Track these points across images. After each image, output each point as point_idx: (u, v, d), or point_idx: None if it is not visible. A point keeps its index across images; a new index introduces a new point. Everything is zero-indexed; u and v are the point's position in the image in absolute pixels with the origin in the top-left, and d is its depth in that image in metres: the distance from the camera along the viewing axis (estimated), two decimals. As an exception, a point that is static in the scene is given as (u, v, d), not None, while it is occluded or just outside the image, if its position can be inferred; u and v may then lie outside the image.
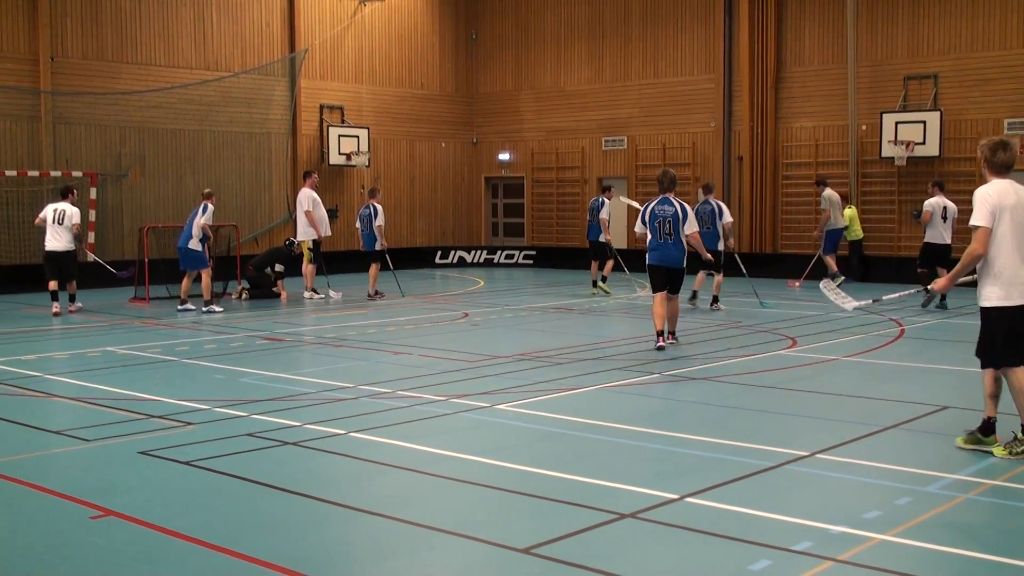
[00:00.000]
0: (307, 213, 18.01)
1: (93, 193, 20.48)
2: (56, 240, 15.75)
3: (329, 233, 18.81)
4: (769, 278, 21.33)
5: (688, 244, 12.03)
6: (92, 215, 20.42)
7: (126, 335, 13.61)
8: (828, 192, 19.86)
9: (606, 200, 18.47)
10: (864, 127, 21.71)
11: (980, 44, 20.53)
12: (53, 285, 15.69)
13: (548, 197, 26.89)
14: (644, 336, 12.98)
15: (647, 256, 12.06)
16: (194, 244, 16.20)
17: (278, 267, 18.50)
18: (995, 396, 7.02)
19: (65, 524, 5.63)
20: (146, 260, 17.75)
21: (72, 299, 16.09)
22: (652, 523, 5.55)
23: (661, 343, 11.82)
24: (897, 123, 20.78)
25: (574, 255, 25.03)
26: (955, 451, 7.09)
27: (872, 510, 5.74)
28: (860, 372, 10.53)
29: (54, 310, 15.53)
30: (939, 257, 16.21)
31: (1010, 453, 6.84)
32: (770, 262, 22.54)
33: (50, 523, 5.64)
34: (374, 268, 18.29)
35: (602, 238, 18.36)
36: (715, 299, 15.99)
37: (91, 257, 18.39)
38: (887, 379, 10.16)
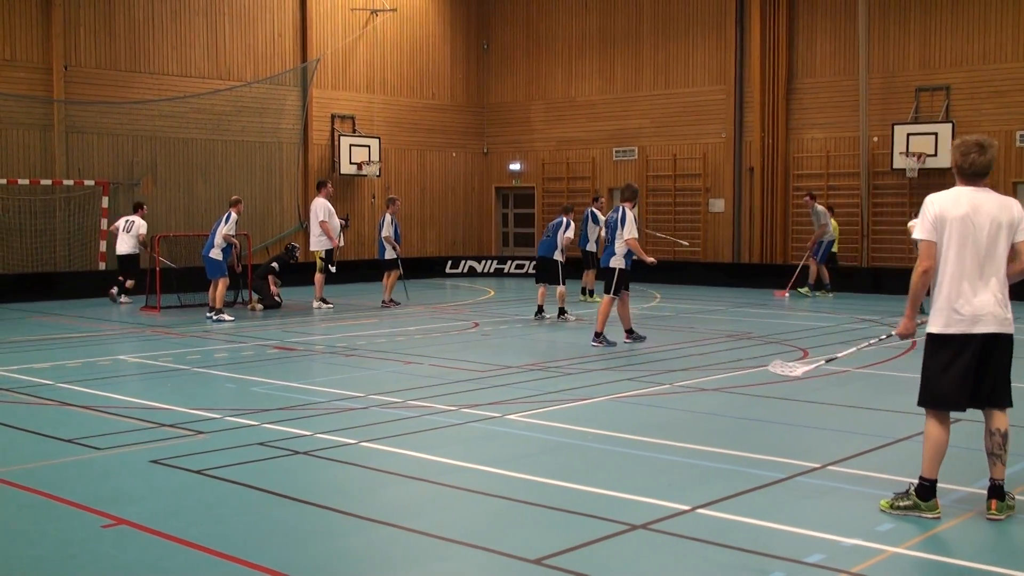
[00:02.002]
0: (322, 223, 18.03)
1: (105, 202, 20.57)
2: (123, 245, 18.92)
3: (342, 244, 18.82)
4: (779, 289, 21.27)
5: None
6: (104, 223, 20.52)
7: (137, 344, 13.65)
8: (820, 207, 20.16)
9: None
10: (875, 139, 21.67)
11: (992, 56, 20.49)
12: (123, 279, 19.00)
13: (558, 207, 26.80)
14: (655, 347, 12.97)
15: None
16: (215, 253, 16.29)
17: (272, 264, 18.57)
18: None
19: (77, 533, 5.64)
20: (157, 269, 17.81)
21: (126, 293, 18.87)
22: (663, 535, 5.54)
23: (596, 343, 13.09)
24: (909, 135, 20.75)
25: (582, 264, 24.96)
26: (967, 463, 7.05)
27: (885, 523, 5.72)
28: (872, 383, 10.49)
29: (112, 290, 19.01)
30: None
31: (891, 507, 5.92)
32: (780, 273, 22.46)
33: (62, 532, 5.66)
34: (389, 277, 18.22)
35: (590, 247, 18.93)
36: (561, 311, 16.18)
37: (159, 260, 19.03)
38: (899, 390, 10.10)
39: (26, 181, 19.70)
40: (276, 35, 23.60)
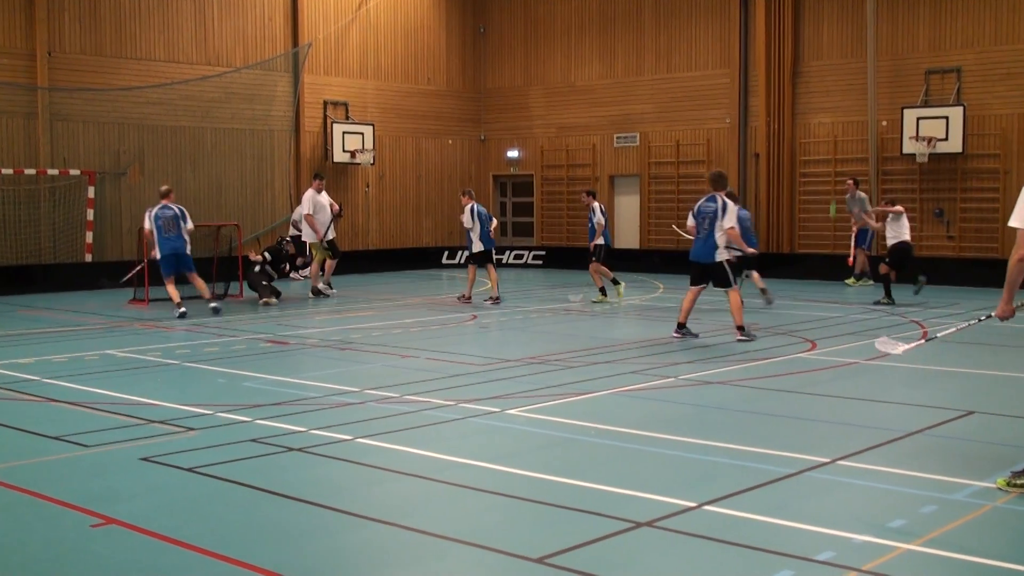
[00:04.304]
0: (306, 216, 18.34)
1: (91, 192, 20.54)
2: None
3: (331, 236, 18.83)
4: (787, 279, 21.29)
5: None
6: (90, 214, 20.50)
7: (125, 338, 13.63)
8: (863, 193, 19.99)
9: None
10: (884, 123, 21.65)
11: (1005, 37, 20.45)
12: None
13: (558, 196, 26.88)
14: (658, 339, 12.97)
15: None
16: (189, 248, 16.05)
17: (266, 255, 18.33)
18: None
19: (65, 532, 5.63)
20: (145, 261, 17.78)
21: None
22: (669, 532, 5.54)
23: (676, 334, 12.92)
24: (919, 119, 20.73)
25: (585, 256, 24.97)
26: (982, 457, 7.05)
27: (896, 519, 5.72)
28: (882, 376, 10.50)
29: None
30: (906, 257, 17.07)
31: (1008, 485, 6.18)
32: (787, 262, 22.49)
33: (50, 531, 5.65)
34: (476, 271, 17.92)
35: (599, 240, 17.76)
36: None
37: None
38: (910, 383, 10.12)
39: (10, 171, 19.66)
40: (266, 19, 23.54)
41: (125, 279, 18.40)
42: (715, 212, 12.73)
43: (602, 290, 17.63)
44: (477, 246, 17.45)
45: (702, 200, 12.99)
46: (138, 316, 15.89)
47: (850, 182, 20.31)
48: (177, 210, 15.94)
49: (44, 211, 20.26)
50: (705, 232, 12.79)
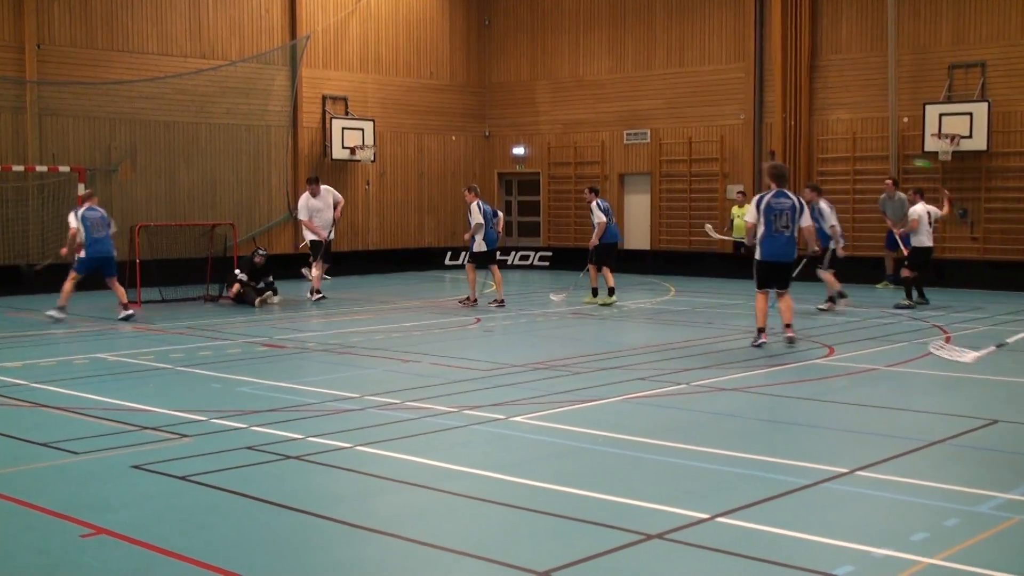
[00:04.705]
0: (305, 223, 18.79)
1: (81, 189, 20.53)
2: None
3: (331, 236, 19.00)
4: (803, 282, 21.19)
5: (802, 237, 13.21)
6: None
7: (116, 341, 13.66)
8: (903, 194, 19.43)
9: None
10: (906, 119, 21.62)
11: (1031, 30, 20.41)
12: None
13: (566, 194, 26.87)
14: (669, 343, 12.96)
15: (758, 250, 12.64)
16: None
17: (240, 275, 17.88)
18: None
19: (54, 542, 5.64)
20: (137, 261, 17.80)
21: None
22: (681, 545, 5.53)
23: (763, 339, 12.58)
24: (941, 115, 20.68)
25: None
26: (1007, 468, 7.04)
27: (918, 532, 5.71)
28: (902, 383, 10.48)
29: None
30: (928, 260, 17.37)
31: None
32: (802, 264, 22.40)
33: (39, 541, 5.66)
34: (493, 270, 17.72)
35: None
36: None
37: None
38: (932, 390, 10.11)
39: (-3, 167, 19.72)
40: (263, 10, 23.56)
41: (39, 267, 17.95)
42: (792, 208, 12.49)
43: (594, 291, 17.65)
44: (480, 245, 17.40)
45: (768, 195, 12.53)
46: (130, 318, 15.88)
47: (888, 181, 20.22)
48: (103, 213, 16.02)
49: (32, 209, 20.30)
50: (785, 230, 12.48)
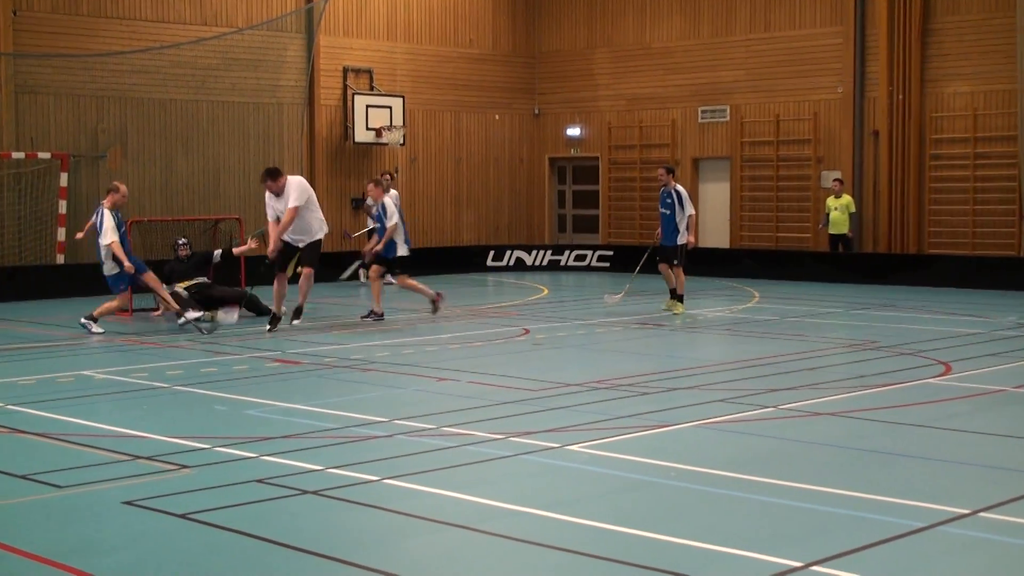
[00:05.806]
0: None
1: (64, 179, 20.83)
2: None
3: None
4: (914, 286, 21.05)
5: None
6: (62, 207, 20.74)
7: (105, 356, 13.82)
8: None
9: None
10: (1037, 92, 21.38)
11: None
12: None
13: (629, 183, 26.86)
14: (753, 359, 12.89)
15: None
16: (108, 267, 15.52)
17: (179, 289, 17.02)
18: None
19: (34, 590, 5.73)
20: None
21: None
22: (768, 598, 5.51)
23: None
24: (1080, 86, 20.44)
25: (664, 256, 24.92)
26: None
27: (1053, 585, 5.64)
28: (1034, 407, 10.36)
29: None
30: None
31: None
32: (915, 266, 22.22)
33: (16, 588, 5.75)
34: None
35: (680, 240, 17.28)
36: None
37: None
38: (1070, 416, 9.97)
39: (-33, 155, 20.05)
40: (274, -31, 23.79)
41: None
42: None
43: (673, 292, 17.48)
44: (403, 249, 16.99)
45: None
46: (121, 330, 16.08)
47: None
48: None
49: (7, 203, 20.58)
50: None
